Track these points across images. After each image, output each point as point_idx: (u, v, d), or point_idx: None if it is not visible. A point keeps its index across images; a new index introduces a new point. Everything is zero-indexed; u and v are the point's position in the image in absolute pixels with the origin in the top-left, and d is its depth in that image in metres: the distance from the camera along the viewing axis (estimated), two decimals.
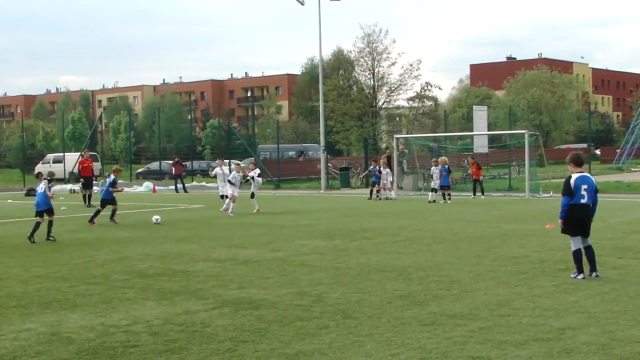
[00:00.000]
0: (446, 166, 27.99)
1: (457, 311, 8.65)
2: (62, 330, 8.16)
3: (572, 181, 10.53)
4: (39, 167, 56.17)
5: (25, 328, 8.30)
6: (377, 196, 29.30)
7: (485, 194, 29.45)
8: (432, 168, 28.44)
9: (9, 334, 8.06)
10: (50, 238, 16.56)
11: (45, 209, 16.65)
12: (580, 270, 10.52)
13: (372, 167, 30.99)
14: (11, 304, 9.70)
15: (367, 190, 31.54)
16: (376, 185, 29.61)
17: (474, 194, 29.43)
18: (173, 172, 41.67)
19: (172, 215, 24.03)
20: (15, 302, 9.77)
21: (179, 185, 39.47)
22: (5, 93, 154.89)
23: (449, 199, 27.13)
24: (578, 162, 10.83)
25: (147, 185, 43.57)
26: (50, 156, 60.86)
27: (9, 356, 7.17)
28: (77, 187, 38.10)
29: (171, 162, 44.91)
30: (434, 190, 27.74)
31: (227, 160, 39.53)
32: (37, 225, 16.38)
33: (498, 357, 6.75)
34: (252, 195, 24.48)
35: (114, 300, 9.74)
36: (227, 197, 24.13)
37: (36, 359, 7.06)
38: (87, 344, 7.57)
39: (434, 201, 26.97)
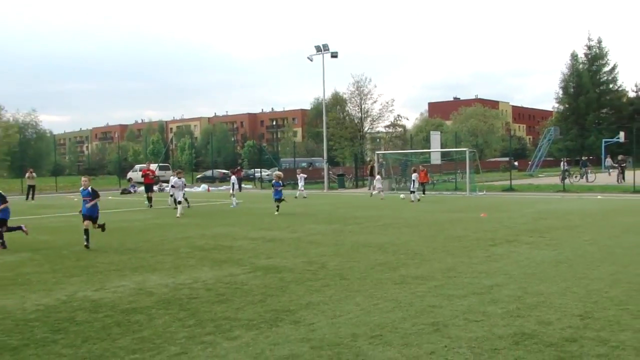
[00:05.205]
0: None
1: (419, 274, 8.64)
2: (146, 286, 8.19)
3: None
4: (130, 174, 56.30)
5: (121, 284, 8.33)
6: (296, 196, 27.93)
7: (425, 193, 27.51)
8: (413, 175, 25.40)
9: (111, 288, 8.10)
10: None
11: None
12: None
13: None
14: (112, 268, 9.74)
15: (357, 190, 31.22)
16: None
17: (424, 193, 27.20)
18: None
19: (222, 207, 24.03)
20: (114, 267, 9.81)
21: (241, 186, 39.84)
22: (107, 123, 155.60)
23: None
24: None
25: (204, 186, 43.64)
26: (137, 166, 60.60)
27: (111, 304, 7.20)
28: (140, 189, 37.80)
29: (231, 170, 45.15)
30: (412, 192, 24.70)
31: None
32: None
33: (447, 305, 6.76)
34: (178, 202, 19.81)
35: (181, 267, 9.76)
36: (179, 202, 19.77)
37: (129, 306, 7.09)
38: (163, 296, 7.59)
39: (419, 200, 24.44)
